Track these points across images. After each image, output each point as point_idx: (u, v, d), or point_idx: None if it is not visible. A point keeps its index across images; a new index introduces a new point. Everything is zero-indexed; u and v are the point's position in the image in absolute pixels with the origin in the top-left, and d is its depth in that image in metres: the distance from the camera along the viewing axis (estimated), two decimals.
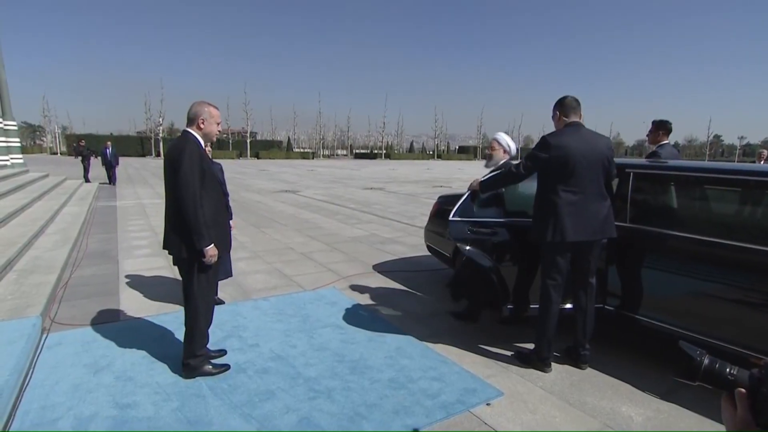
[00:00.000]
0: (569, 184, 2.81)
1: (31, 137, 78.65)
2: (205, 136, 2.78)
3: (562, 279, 2.95)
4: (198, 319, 2.81)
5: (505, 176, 3.13)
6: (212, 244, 2.67)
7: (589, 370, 3.03)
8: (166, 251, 2.77)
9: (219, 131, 2.89)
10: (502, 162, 3.70)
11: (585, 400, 2.66)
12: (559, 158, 2.80)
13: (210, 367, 2.86)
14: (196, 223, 2.58)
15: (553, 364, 3.05)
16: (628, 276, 3.16)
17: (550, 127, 3.20)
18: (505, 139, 3.73)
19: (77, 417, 2.35)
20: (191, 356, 2.80)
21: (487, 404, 2.59)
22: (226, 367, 2.90)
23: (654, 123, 4.33)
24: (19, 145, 16.08)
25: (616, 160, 3.37)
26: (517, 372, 2.99)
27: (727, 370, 0.73)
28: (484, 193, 3.33)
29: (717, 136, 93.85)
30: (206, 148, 3.88)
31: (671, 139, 4.42)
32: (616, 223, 3.17)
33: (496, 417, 2.47)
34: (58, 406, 2.45)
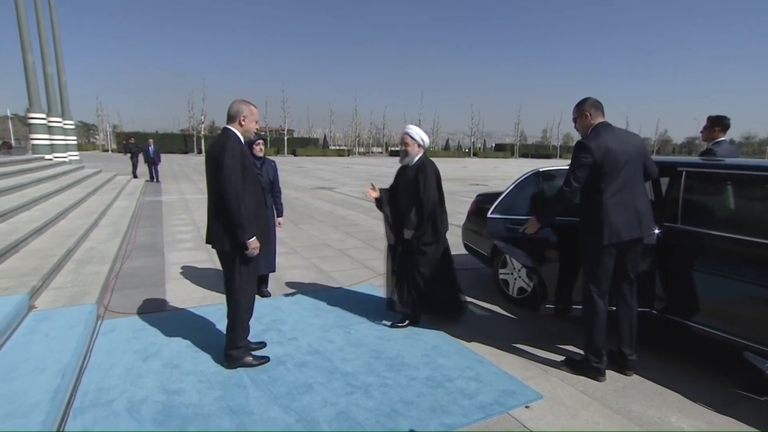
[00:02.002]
0: (614, 183, 2.74)
1: (86, 135, 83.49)
2: (245, 133, 2.85)
3: (608, 283, 2.86)
4: (240, 311, 2.89)
5: (560, 198, 2.89)
6: (254, 237, 2.74)
7: (634, 376, 2.91)
8: (209, 245, 2.88)
9: (257, 129, 2.98)
10: (418, 157, 3.57)
11: (630, 408, 2.55)
12: (602, 159, 2.72)
13: (251, 358, 2.94)
14: (239, 217, 2.65)
15: None
16: (679, 280, 3.01)
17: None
18: (417, 132, 3.57)
19: (130, 400, 2.49)
20: (233, 347, 2.90)
21: (526, 407, 2.54)
22: (266, 359, 2.98)
23: (709, 119, 4.08)
24: (75, 143, 17.14)
25: (666, 158, 3.25)
26: (557, 375, 2.91)
27: None
28: (547, 223, 3.15)
29: None
30: (260, 146, 4.02)
31: (726, 136, 4.15)
32: (667, 224, 3.05)
33: (535, 420, 2.42)
34: (112, 389, 2.59)
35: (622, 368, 2.94)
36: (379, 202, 3.75)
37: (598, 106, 2.88)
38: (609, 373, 2.94)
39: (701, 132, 4.20)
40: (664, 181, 3.31)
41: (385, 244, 3.85)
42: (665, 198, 3.19)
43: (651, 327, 3.19)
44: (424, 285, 3.51)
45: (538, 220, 3.12)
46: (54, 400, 2.27)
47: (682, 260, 2.99)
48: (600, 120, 2.87)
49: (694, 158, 3.57)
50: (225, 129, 2.82)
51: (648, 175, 2.94)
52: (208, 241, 2.87)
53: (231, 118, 2.82)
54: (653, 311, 3.14)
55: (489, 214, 3.98)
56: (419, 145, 3.56)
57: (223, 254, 2.86)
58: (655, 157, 3.28)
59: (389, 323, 3.65)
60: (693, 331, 2.91)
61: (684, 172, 3.10)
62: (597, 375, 2.86)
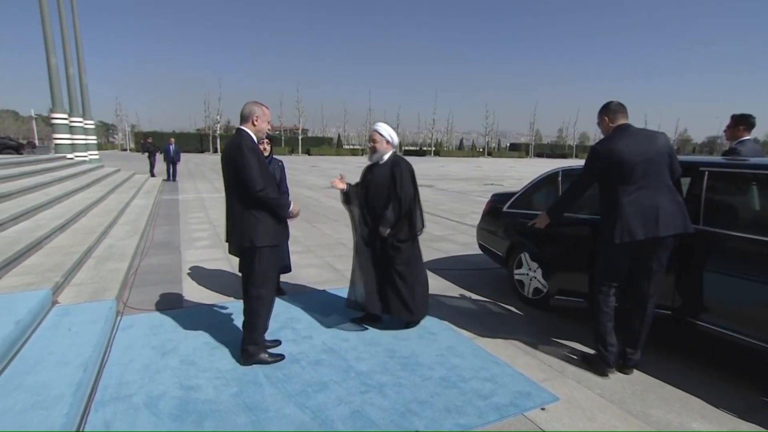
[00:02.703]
0: (629, 183, 2.76)
1: (105, 135, 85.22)
2: (257, 133, 2.93)
3: (619, 282, 2.89)
4: (260, 309, 2.94)
5: (569, 196, 3.14)
6: (291, 204, 2.95)
7: (653, 380, 2.86)
8: (227, 243, 2.94)
9: (269, 129, 3.07)
10: (388, 155, 3.49)
11: (649, 412, 2.50)
12: (612, 162, 2.78)
13: (266, 355, 2.97)
14: (273, 199, 2.81)
15: (613, 370, 2.93)
16: (703, 282, 2.93)
17: None
18: (387, 130, 3.49)
19: (148, 395, 2.53)
20: (251, 343, 2.94)
21: (542, 409, 2.51)
22: (281, 357, 3.01)
23: (733, 117, 3.98)
24: (95, 142, 17.52)
25: (688, 157, 3.21)
26: (573, 377, 2.87)
27: None
28: (557, 218, 3.26)
29: None
30: (262, 145, 4.06)
31: (751, 135, 4.04)
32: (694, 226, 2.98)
33: (551, 422, 2.39)
34: (131, 384, 2.65)
35: (621, 367, 2.94)
36: (346, 196, 3.63)
37: (617, 110, 2.93)
38: (628, 376, 2.90)
39: (724, 131, 4.10)
40: (685, 182, 3.25)
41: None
42: (686, 198, 3.12)
43: (671, 330, 3.12)
44: (399, 282, 3.43)
45: (548, 215, 3.25)
46: (77, 393, 2.32)
47: (705, 262, 2.92)
48: (620, 122, 2.91)
49: (717, 158, 3.49)
50: (239, 129, 2.90)
51: (672, 176, 2.90)
52: (228, 240, 2.94)
53: (244, 118, 2.90)
54: (672, 313, 3.08)
55: (505, 208, 4.08)
56: (387, 142, 3.49)
57: (243, 251, 2.91)
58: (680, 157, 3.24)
59: (403, 325, 3.57)
60: (716, 335, 2.84)
61: (707, 172, 3.03)
62: (605, 367, 2.91)
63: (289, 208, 2.94)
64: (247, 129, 2.88)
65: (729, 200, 3.12)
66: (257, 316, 2.94)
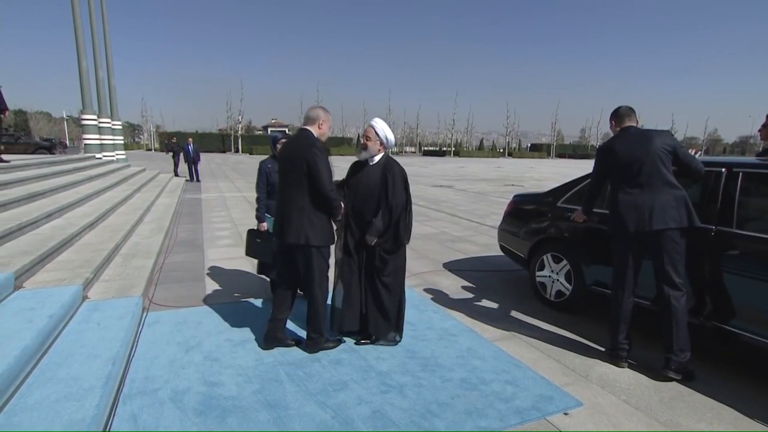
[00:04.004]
0: (625, 180, 2.96)
1: (131, 135, 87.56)
2: (320, 136, 3.02)
3: (628, 272, 3.00)
4: (319, 301, 3.07)
5: (588, 194, 3.44)
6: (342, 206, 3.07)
7: (682, 388, 2.77)
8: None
9: (329, 133, 3.15)
10: (380, 156, 3.23)
11: (678, 421, 2.43)
12: (610, 161, 3.05)
13: (330, 343, 3.18)
14: (334, 198, 2.91)
15: (640, 376, 2.87)
16: (734, 287, 2.84)
17: None
18: (383, 128, 3.18)
19: (174, 390, 2.59)
20: (315, 332, 3.10)
21: (565, 414, 2.47)
22: (341, 341, 3.25)
23: None
24: (122, 142, 18.02)
25: (721, 158, 3.14)
26: (597, 382, 2.81)
27: None
28: (590, 213, 3.49)
29: None
30: (280, 144, 4.10)
31: None
32: (723, 229, 2.88)
33: (575, 427, 2.34)
34: (157, 378, 2.71)
35: (663, 369, 2.86)
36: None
37: (624, 114, 3.11)
38: (654, 383, 2.83)
39: (759, 130, 3.95)
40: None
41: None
42: (719, 200, 3.03)
43: (701, 336, 3.03)
44: (385, 294, 3.21)
45: (582, 211, 3.50)
46: (106, 385, 2.40)
47: (736, 266, 2.82)
48: (625, 125, 3.08)
49: (751, 158, 3.37)
50: (304, 130, 2.99)
51: (690, 174, 2.95)
52: (280, 236, 3.01)
53: (311, 120, 3.01)
54: (702, 319, 2.99)
55: (559, 203, 4.18)
56: (381, 143, 3.21)
57: (299, 249, 2.97)
58: (705, 158, 3.15)
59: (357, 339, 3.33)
60: (750, 342, 2.74)
61: (741, 173, 2.93)
62: (612, 359, 3.09)
63: (341, 209, 3.05)
64: (312, 131, 2.98)
65: (764, 202, 3.01)
66: (317, 307, 3.07)
